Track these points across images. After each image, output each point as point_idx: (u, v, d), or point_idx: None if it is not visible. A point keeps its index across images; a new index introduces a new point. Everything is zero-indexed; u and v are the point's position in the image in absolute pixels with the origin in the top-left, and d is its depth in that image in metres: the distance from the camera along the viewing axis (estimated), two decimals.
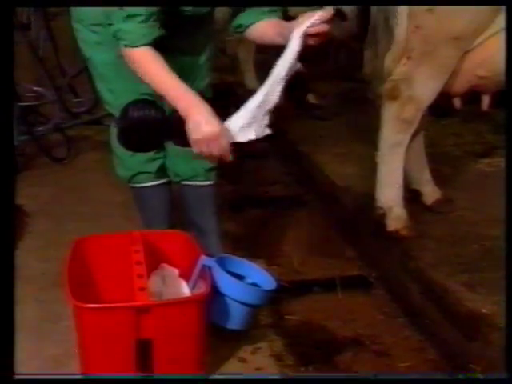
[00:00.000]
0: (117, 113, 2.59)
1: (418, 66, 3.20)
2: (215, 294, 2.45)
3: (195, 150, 2.36)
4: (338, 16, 5.33)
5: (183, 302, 2.45)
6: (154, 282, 2.69)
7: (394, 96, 3.25)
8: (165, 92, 2.36)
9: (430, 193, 3.74)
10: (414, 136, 3.46)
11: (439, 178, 3.89)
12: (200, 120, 2.31)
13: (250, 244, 3.68)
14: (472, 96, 3.43)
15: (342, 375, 2.69)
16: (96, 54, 2.74)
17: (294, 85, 6.37)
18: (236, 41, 6.88)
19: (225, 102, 7.83)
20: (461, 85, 3.27)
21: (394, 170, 3.36)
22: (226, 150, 2.37)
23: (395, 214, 3.39)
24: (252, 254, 3.45)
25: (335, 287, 3.31)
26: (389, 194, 3.40)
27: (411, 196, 3.69)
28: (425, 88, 3.23)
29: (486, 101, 3.34)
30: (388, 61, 3.29)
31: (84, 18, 2.72)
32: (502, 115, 4.42)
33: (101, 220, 3.73)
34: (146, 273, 2.54)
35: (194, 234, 2.86)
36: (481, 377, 2.48)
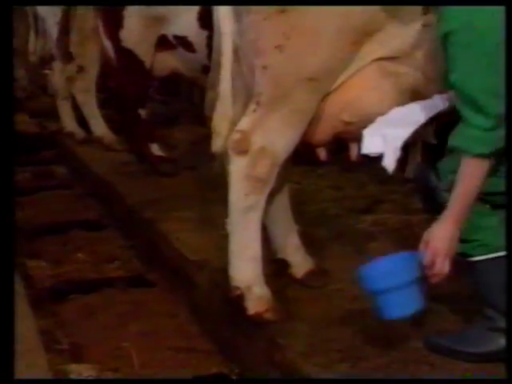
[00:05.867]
0: None
1: (269, 113, 3.29)
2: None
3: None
4: (184, 46, 5.47)
5: None
6: None
7: (242, 149, 3.31)
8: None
9: (300, 263, 3.82)
10: (273, 195, 3.55)
11: (312, 244, 4.01)
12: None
13: (74, 343, 3.63)
14: (342, 145, 3.60)
15: (343, 375, 2.96)
16: None
17: (133, 134, 6.46)
18: (68, 77, 6.91)
19: (48, 156, 7.76)
20: (324, 132, 3.40)
21: (249, 240, 3.41)
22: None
23: (256, 294, 3.43)
24: (77, 358, 3.40)
25: None
26: (245, 270, 3.44)
27: (276, 268, 3.77)
28: (280, 138, 3.32)
29: (354, 150, 3.50)
30: (215, 118, 3.42)
31: None
32: None
33: None
34: None
35: None
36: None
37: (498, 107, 2.71)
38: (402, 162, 5.01)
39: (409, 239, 4.24)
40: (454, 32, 2.71)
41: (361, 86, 3.29)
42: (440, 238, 2.84)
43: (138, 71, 5.68)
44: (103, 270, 4.58)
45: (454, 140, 2.82)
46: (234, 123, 3.48)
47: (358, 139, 3.45)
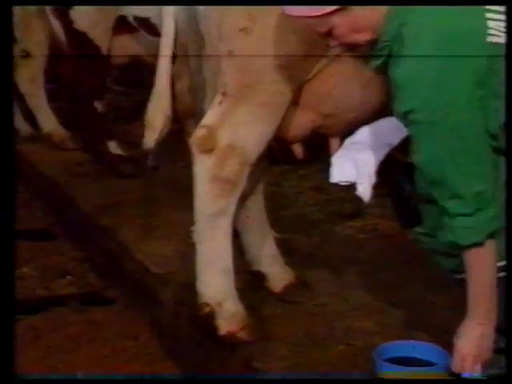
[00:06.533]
0: None
1: (237, 105, 3.32)
2: None
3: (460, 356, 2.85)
4: (146, 29, 5.48)
5: None
6: None
7: (207, 147, 3.34)
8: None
9: (278, 275, 3.86)
10: (245, 198, 3.60)
11: (291, 254, 4.07)
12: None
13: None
14: (321, 140, 3.63)
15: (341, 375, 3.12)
16: None
17: (88, 130, 6.41)
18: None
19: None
20: (300, 127, 3.45)
21: (218, 250, 3.43)
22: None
23: (228, 312, 3.46)
24: None
25: None
26: (216, 284, 3.46)
27: (251, 281, 3.81)
28: (249, 134, 3.35)
29: (335, 146, 3.53)
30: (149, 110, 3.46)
31: None
32: None
33: None
34: None
35: None
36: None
37: (476, 186, 2.73)
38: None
39: (402, 248, 4.29)
40: (414, 111, 2.73)
41: (340, 74, 3.34)
42: (466, 343, 2.86)
43: (93, 58, 5.69)
44: (53, 287, 4.58)
45: (443, 236, 2.85)
46: (168, 116, 3.60)
47: (339, 134, 3.50)
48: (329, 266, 4.13)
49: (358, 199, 4.87)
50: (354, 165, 3.18)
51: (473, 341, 2.84)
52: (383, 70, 2.89)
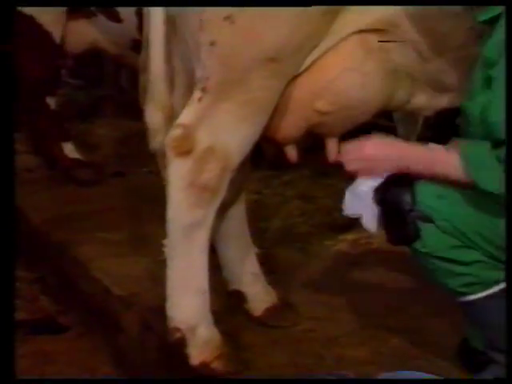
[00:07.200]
0: None
1: (218, 103, 3.32)
2: None
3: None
4: (106, 13, 5.49)
5: None
6: None
7: (184, 149, 3.34)
8: None
9: (260, 296, 3.88)
10: (225, 208, 3.62)
11: (275, 271, 4.11)
12: None
13: None
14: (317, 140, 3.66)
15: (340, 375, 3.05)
16: None
17: (39, 130, 6.36)
18: None
19: None
20: (294, 126, 3.47)
21: (193, 267, 3.44)
22: None
23: (201, 338, 3.46)
24: None
25: None
26: (188, 307, 3.47)
27: (229, 303, 3.83)
28: (232, 135, 3.35)
29: (332, 148, 3.57)
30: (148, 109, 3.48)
31: None
32: None
33: None
34: None
35: None
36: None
37: None
38: None
39: (400, 265, 4.31)
40: None
41: (337, 67, 3.37)
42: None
43: (43, 46, 5.70)
44: None
45: None
46: (171, 111, 3.58)
47: (337, 134, 3.53)
48: (317, 285, 4.17)
49: None
50: (360, 195, 3.22)
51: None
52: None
